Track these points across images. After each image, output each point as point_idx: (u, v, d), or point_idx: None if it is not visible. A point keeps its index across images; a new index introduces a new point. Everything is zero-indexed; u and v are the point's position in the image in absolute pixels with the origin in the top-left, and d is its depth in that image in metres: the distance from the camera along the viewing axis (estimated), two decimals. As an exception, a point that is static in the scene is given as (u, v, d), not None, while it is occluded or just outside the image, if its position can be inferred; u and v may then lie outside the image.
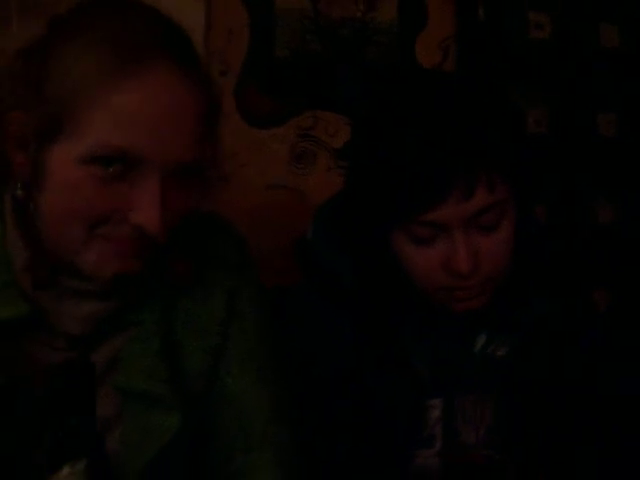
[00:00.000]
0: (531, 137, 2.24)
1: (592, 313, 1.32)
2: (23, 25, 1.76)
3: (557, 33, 2.24)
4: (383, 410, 1.16)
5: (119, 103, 0.82)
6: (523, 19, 2.23)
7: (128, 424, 0.93)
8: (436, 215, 1.01)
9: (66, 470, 0.72)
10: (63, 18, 0.88)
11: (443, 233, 1.04)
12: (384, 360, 1.16)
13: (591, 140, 2.26)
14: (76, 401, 0.74)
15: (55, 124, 0.83)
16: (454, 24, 2.20)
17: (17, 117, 0.86)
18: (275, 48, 1.97)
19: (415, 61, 2.14)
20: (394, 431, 1.16)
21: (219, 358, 1.01)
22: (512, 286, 1.15)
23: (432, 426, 1.17)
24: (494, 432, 1.18)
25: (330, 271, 1.17)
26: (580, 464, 1.19)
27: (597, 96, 2.25)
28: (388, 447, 1.16)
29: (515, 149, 1.07)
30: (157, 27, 0.88)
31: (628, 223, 2.25)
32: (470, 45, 2.19)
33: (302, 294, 1.21)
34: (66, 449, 0.73)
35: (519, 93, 2.22)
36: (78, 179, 0.84)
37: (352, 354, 1.16)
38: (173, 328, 0.97)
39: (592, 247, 2.21)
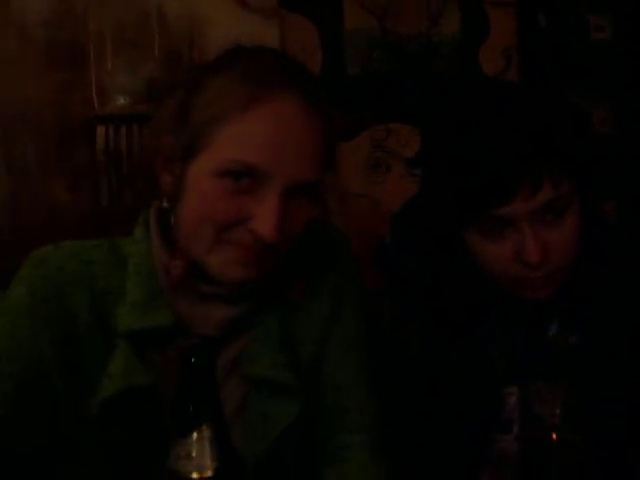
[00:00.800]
0: (597, 136, 2.31)
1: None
2: (117, 61, 1.93)
3: (617, 34, 2.30)
4: (464, 400, 1.23)
5: (250, 126, 0.95)
6: (583, 22, 2.30)
7: (251, 411, 1.03)
8: (507, 210, 1.09)
9: (195, 435, 0.84)
10: (211, 62, 1.04)
11: (512, 227, 1.12)
12: (463, 353, 1.24)
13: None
14: (199, 387, 0.85)
15: (196, 145, 0.97)
16: (515, 32, 2.27)
17: (167, 141, 1.00)
18: (346, 66, 2.08)
19: (479, 70, 2.23)
20: (474, 418, 1.23)
21: (324, 350, 1.11)
22: (580, 277, 1.22)
23: (510, 411, 1.23)
24: (569, 414, 1.24)
25: (409, 272, 1.26)
26: None
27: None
28: (469, 434, 1.23)
29: (577, 148, 1.15)
30: (285, 65, 1.02)
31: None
32: (532, 51, 2.26)
33: (383, 297, 1.31)
34: (193, 418, 0.84)
35: (583, 95, 2.28)
36: (211, 189, 0.97)
37: (433, 349, 1.25)
38: (291, 323, 1.09)
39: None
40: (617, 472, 1.18)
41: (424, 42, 2.15)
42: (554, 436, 1.15)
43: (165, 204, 1.03)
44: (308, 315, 1.10)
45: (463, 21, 2.22)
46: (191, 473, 0.83)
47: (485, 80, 1.80)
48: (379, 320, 1.26)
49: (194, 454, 0.83)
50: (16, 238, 1.85)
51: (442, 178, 1.17)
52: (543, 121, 1.12)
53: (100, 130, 1.89)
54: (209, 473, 0.83)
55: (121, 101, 1.90)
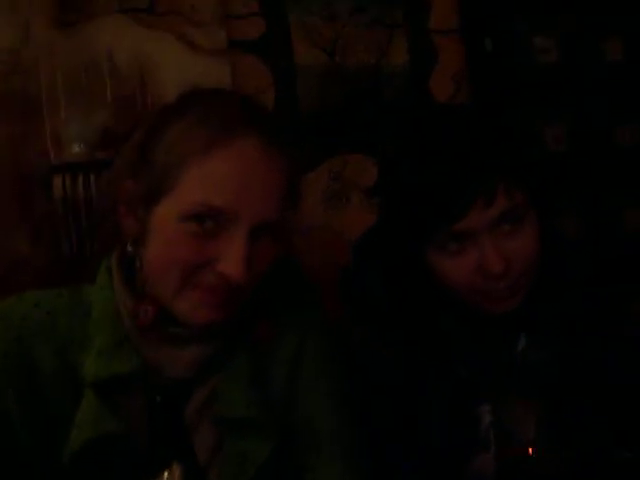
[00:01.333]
0: (551, 154, 2.34)
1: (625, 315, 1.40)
2: (70, 110, 1.93)
3: (563, 54, 2.35)
4: (438, 421, 1.24)
5: (213, 168, 0.96)
6: (529, 45, 2.34)
7: (227, 452, 1.03)
8: (465, 224, 1.14)
9: (166, 475, 0.84)
10: (168, 106, 1.04)
11: (472, 241, 1.16)
12: (432, 375, 1.25)
13: (610, 151, 2.35)
14: (167, 428, 0.85)
15: (159, 189, 0.98)
16: (463, 58, 2.31)
17: (129, 186, 1.01)
18: (299, 102, 2.10)
19: (430, 96, 2.26)
20: (450, 439, 1.24)
21: (294, 385, 1.11)
22: (542, 290, 1.24)
23: (486, 430, 1.25)
24: (544, 430, 1.25)
25: (373, 299, 1.28)
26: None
27: (612, 109, 2.34)
28: (446, 454, 1.24)
29: (524, 161, 1.20)
30: (245, 106, 1.03)
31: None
32: (480, 76, 2.30)
33: (350, 325, 1.32)
34: (163, 457, 0.84)
35: (534, 115, 2.32)
36: (176, 234, 0.97)
37: (403, 372, 1.26)
38: (260, 361, 1.09)
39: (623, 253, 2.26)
40: None
41: (374, 73, 2.18)
42: (530, 451, 1.17)
43: (129, 248, 1.03)
44: (275, 352, 1.10)
45: (411, 51, 2.25)
46: None
47: (434, 107, 1.84)
48: (348, 348, 1.27)
49: None
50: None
51: (400, 202, 1.19)
52: (490, 138, 1.19)
53: (57, 180, 1.88)
54: None
55: (76, 149, 1.89)
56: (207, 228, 0.96)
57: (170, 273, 0.98)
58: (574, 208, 2.29)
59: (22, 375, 0.98)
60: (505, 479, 1.20)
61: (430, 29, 2.29)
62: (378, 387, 1.25)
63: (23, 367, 0.98)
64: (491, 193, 1.13)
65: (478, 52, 2.32)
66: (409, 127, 1.30)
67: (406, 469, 1.23)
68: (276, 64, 2.11)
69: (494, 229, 1.16)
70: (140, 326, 1.01)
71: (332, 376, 1.14)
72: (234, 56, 2.06)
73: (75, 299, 1.05)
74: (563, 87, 2.33)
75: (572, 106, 2.33)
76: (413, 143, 1.23)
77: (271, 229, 1.00)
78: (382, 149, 1.93)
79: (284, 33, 2.13)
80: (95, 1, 1.97)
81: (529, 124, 2.32)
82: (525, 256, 1.18)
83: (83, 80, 1.93)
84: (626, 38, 2.38)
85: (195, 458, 0.88)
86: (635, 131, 2.37)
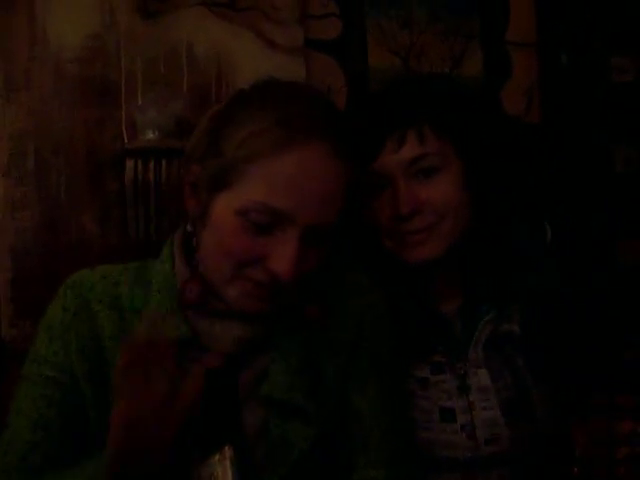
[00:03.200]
0: (619, 176, 2.34)
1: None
2: (148, 97, 1.99)
3: (640, 76, 2.32)
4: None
5: (279, 172, 0.97)
6: (606, 64, 2.33)
7: (272, 434, 1.04)
8: (378, 165, 1.21)
9: (217, 456, 0.85)
10: (245, 93, 1.05)
11: (390, 184, 1.22)
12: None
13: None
14: (222, 406, 0.87)
15: (224, 179, 0.99)
16: (537, 72, 2.31)
17: (196, 169, 1.03)
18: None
19: (501, 109, 2.27)
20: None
21: (347, 377, 1.11)
22: (496, 258, 1.29)
23: (451, 400, 1.24)
24: (512, 404, 1.24)
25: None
26: None
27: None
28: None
29: (450, 112, 1.24)
30: (319, 111, 1.03)
31: None
32: (553, 92, 2.29)
33: None
34: (216, 438, 0.86)
35: (606, 135, 2.31)
36: (232, 227, 0.99)
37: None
38: (312, 346, 1.11)
39: None
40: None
41: (447, 81, 2.19)
42: None
43: (189, 228, 1.07)
44: (330, 339, 1.12)
45: (485, 62, 2.26)
46: None
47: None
48: None
49: (217, 475, 0.85)
50: (45, 266, 1.89)
51: None
52: (414, 86, 1.30)
53: (129, 164, 1.93)
54: None
55: (150, 136, 1.94)
56: (262, 226, 0.97)
57: (222, 262, 1.01)
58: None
59: (88, 334, 1.05)
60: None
61: (506, 41, 2.29)
62: None
63: (89, 327, 1.05)
64: (402, 135, 1.20)
65: (553, 67, 2.31)
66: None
67: None
68: (350, 65, 2.14)
69: (409, 176, 1.21)
70: (184, 303, 1.05)
71: (387, 371, 1.15)
72: (310, 55, 2.10)
73: (139, 272, 1.10)
74: (638, 108, 2.30)
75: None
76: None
77: (322, 234, 1.01)
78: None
79: (360, 35, 2.16)
80: (179, -8, 2.02)
81: (600, 144, 2.30)
82: (438, 203, 1.21)
83: (162, 69, 1.99)
84: None
85: (245, 437, 0.90)
86: None
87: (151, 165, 1.93)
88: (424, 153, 1.21)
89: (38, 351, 1.06)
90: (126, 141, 1.95)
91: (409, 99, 1.25)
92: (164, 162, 1.94)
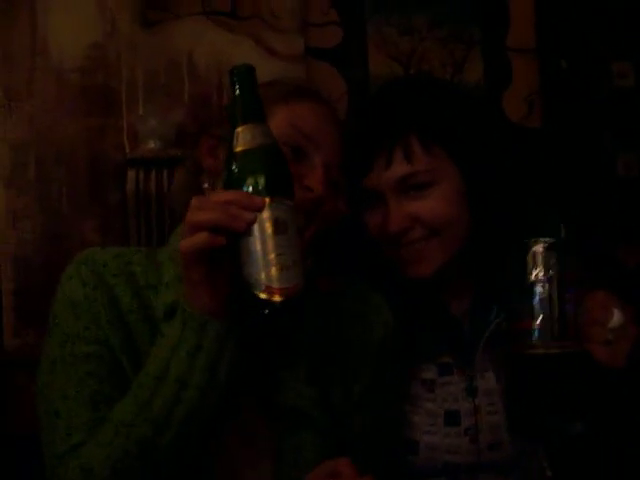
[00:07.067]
0: (621, 180, 2.34)
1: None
2: (148, 107, 2.00)
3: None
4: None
5: (295, 110, 1.06)
6: (606, 69, 2.33)
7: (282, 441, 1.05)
8: (369, 182, 1.18)
9: None
10: None
11: (382, 203, 1.18)
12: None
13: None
14: None
15: None
16: (538, 79, 2.31)
17: (213, 131, 1.10)
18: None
19: (503, 116, 2.26)
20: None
21: (356, 384, 1.11)
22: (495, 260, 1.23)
23: (456, 402, 1.21)
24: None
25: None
26: None
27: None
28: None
29: (439, 119, 1.20)
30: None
31: None
32: (554, 97, 2.29)
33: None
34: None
35: (608, 140, 2.31)
36: None
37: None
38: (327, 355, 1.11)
39: None
40: None
41: (448, 88, 2.19)
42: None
43: (206, 185, 1.09)
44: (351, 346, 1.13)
45: (486, 68, 2.26)
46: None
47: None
48: None
49: None
50: (47, 276, 1.88)
51: None
52: (407, 102, 1.22)
53: (131, 173, 1.94)
54: None
55: (152, 145, 1.94)
56: (292, 153, 1.03)
57: None
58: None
59: (110, 304, 1.03)
60: None
61: (507, 47, 2.29)
62: None
63: (110, 300, 1.04)
64: (390, 154, 1.17)
65: (553, 72, 2.31)
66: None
67: None
68: (351, 73, 2.14)
69: (400, 192, 1.18)
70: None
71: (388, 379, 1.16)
72: (310, 63, 2.10)
73: (151, 255, 1.11)
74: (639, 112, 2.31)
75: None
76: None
77: (338, 175, 1.08)
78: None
79: (361, 43, 2.16)
80: (179, 1, 2.03)
81: (601, 149, 2.30)
82: (428, 218, 1.18)
83: (162, 78, 2.00)
84: None
85: None
86: None
87: (152, 175, 1.94)
88: (413, 172, 1.17)
89: (66, 331, 1.02)
90: (127, 151, 1.96)
91: (392, 110, 1.21)
92: (165, 172, 1.94)
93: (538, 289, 1.06)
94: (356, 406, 1.11)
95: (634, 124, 2.30)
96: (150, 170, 1.94)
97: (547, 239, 1.06)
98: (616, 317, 1.02)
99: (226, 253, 0.90)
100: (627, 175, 2.34)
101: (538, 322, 1.04)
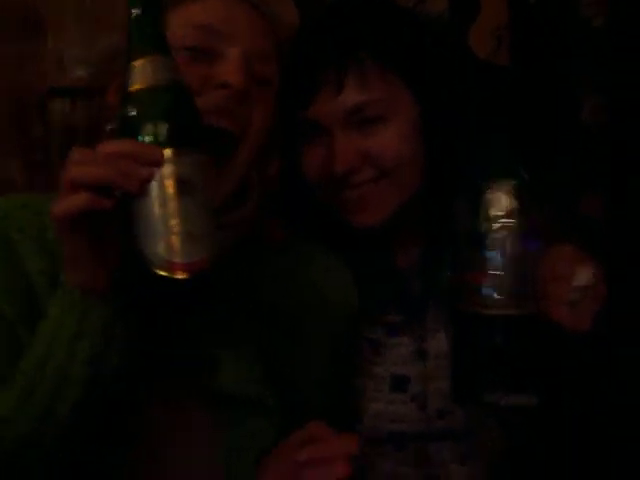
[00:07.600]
0: (587, 126, 2.21)
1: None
2: (78, 30, 1.81)
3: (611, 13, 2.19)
4: None
5: (195, 10, 0.98)
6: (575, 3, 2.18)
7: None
8: (314, 111, 1.04)
9: None
10: None
11: (326, 137, 1.05)
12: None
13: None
14: None
15: None
16: (506, 12, 2.17)
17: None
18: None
19: (468, 50, 2.13)
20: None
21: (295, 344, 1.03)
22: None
23: (405, 367, 1.13)
24: None
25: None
26: None
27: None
28: None
29: (400, 37, 1.08)
30: None
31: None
32: (523, 31, 2.17)
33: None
34: None
35: (577, 79, 2.19)
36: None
37: None
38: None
39: None
40: None
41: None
42: None
43: (109, 127, 0.93)
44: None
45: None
46: None
47: None
48: None
49: None
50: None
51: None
52: (356, 15, 1.09)
53: (55, 105, 1.78)
54: None
55: (79, 73, 1.78)
56: (199, 53, 0.94)
57: None
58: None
59: (9, 266, 0.92)
60: None
61: (473, -25, 2.13)
62: None
63: (9, 259, 0.93)
64: (341, 77, 1.03)
65: (522, 6, 2.17)
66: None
67: None
68: (308, 3, 1.98)
69: (349, 125, 1.04)
70: None
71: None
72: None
73: None
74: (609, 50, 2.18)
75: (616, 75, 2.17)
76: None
77: (263, 72, 0.97)
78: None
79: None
80: None
81: (570, 88, 2.18)
82: (382, 156, 1.05)
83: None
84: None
85: None
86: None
87: (79, 105, 1.78)
88: (367, 100, 1.04)
89: None
90: (51, 79, 1.78)
91: (346, 25, 1.06)
92: (95, 101, 1.78)
93: (494, 238, 0.92)
94: (317, 381, 1.03)
95: (604, 65, 2.17)
96: (76, 100, 1.78)
97: (507, 181, 0.93)
98: (582, 274, 0.89)
99: (114, 219, 0.75)
100: (594, 120, 2.20)
101: (492, 276, 0.91)
